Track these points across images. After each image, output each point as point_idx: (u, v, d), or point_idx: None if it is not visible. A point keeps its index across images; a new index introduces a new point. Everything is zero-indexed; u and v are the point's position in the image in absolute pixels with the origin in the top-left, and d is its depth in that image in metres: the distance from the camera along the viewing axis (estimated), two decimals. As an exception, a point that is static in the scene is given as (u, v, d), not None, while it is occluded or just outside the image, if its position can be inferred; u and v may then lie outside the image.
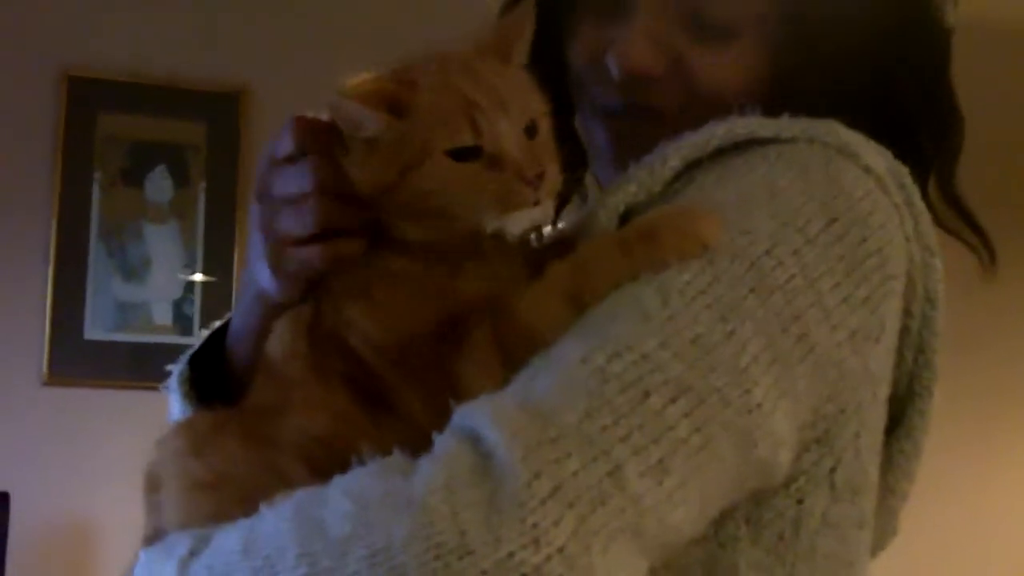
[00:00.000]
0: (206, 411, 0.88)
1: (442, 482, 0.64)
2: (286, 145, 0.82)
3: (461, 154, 0.76)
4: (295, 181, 0.82)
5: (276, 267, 0.83)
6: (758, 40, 0.92)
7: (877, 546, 0.91)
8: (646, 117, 0.94)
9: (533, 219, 0.78)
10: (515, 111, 0.77)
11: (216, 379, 0.94)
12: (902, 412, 0.87)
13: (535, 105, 0.79)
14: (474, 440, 0.66)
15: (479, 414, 0.67)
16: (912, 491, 0.91)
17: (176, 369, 0.96)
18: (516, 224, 0.78)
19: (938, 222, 0.90)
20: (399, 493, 0.65)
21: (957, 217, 0.95)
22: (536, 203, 0.77)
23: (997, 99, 3.64)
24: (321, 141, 0.80)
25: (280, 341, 0.84)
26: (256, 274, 0.86)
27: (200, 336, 0.98)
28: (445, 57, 0.80)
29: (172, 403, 0.96)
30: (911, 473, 0.89)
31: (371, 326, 0.78)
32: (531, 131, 0.78)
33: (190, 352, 0.97)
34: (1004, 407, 3.99)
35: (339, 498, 0.67)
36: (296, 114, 0.82)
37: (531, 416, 0.66)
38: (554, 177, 0.78)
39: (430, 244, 0.79)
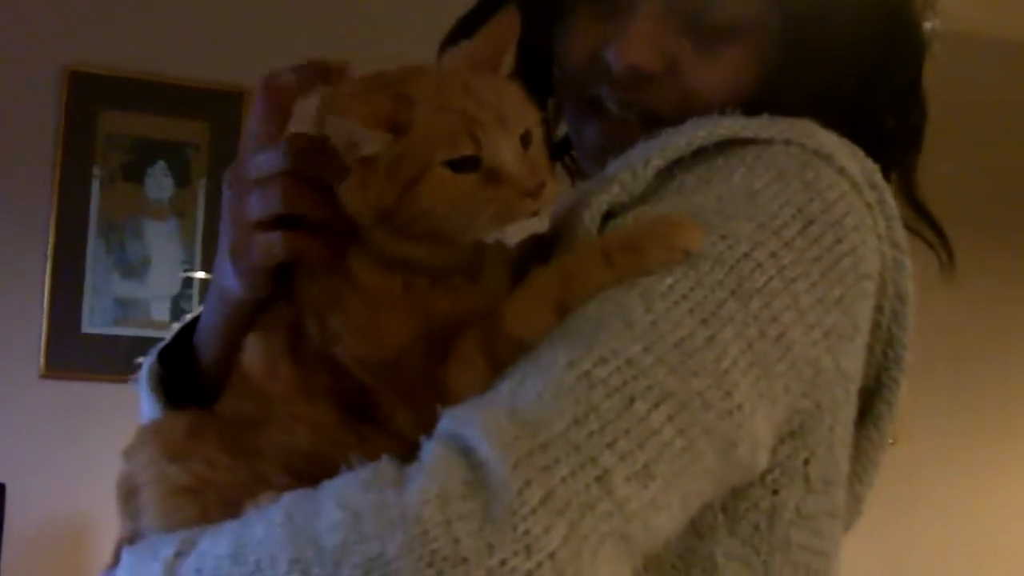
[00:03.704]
0: (175, 415, 0.87)
1: (435, 493, 0.65)
2: (278, 160, 0.80)
3: (460, 165, 0.75)
4: (267, 163, 0.80)
5: (238, 256, 0.82)
6: (752, 45, 0.94)
7: (843, 527, 0.92)
8: (638, 115, 0.96)
9: (531, 228, 0.78)
10: (512, 124, 0.77)
11: (185, 375, 0.94)
12: (871, 403, 0.89)
13: (529, 116, 0.79)
14: (465, 450, 0.67)
15: (468, 422, 0.68)
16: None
17: (146, 363, 0.96)
18: (515, 234, 0.78)
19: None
20: (391, 504, 0.66)
21: (917, 216, 0.96)
22: (535, 214, 0.77)
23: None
24: (314, 163, 0.78)
25: (257, 354, 0.82)
26: (220, 271, 0.85)
27: (172, 329, 0.97)
28: (440, 71, 0.80)
29: (141, 397, 0.95)
30: (877, 460, 0.92)
31: (359, 343, 0.78)
32: (525, 141, 0.78)
33: (160, 346, 0.97)
34: (1001, 419, 4.01)
35: (331, 508, 0.68)
36: (292, 131, 0.78)
37: (520, 424, 0.67)
38: (551, 187, 0.78)
39: (427, 265, 0.78)
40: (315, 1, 3.47)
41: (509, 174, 0.75)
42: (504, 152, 0.76)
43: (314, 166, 0.78)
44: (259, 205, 0.80)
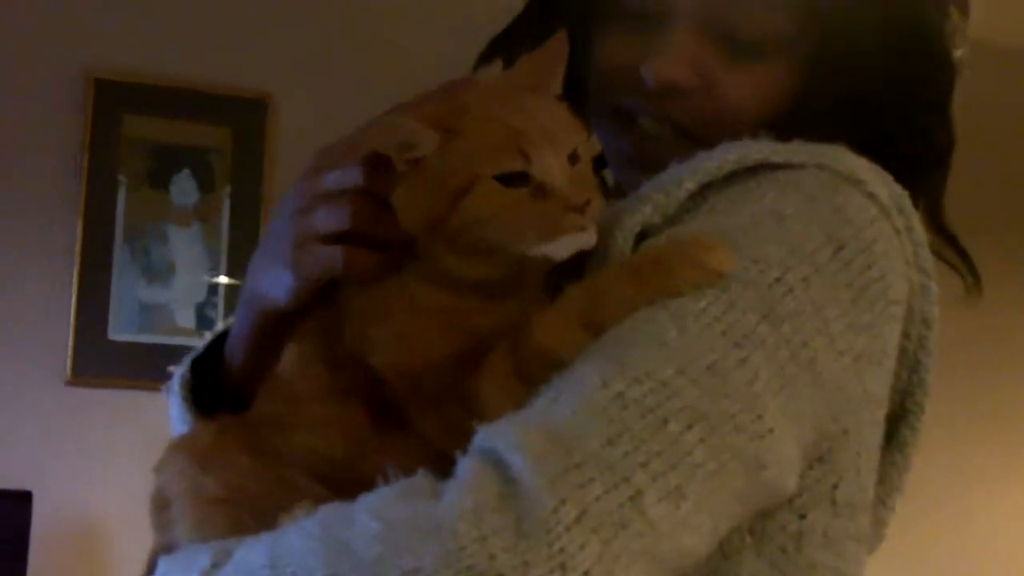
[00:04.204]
0: (205, 424, 0.89)
1: (470, 507, 0.65)
2: (353, 177, 0.82)
3: (509, 179, 0.76)
4: (341, 178, 0.82)
5: (294, 264, 0.84)
6: (784, 64, 0.95)
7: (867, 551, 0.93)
8: (671, 129, 0.96)
9: (578, 244, 0.79)
10: (560, 141, 0.78)
11: (215, 384, 0.95)
12: (895, 428, 0.89)
13: (576, 134, 0.80)
14: (499, 465, 0.68)
15: (503, 438, 0.69)
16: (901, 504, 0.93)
17: (178, 372, 0.98)
18: (562, 250, 0.78)
19: None
20: (427, 517, 0.66)
21: (943, 241, 0.96)
22: (582, 229, 0.78)
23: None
24: (384, 182, 0.80)
25: (291, 357, 0.84)
26: (258, 279, 0.87)
27: (204, 338, 0.99)
28: (491, 85, 0.82)
29: (172, 405, 0.97)
30: (901, 486, 0.92)
31: (398, 353, 0.79)
32: (573, 159, 0.79)
33: (192, 355, 0.98)
34: (1010, 425, 4.00)
35: (366, 520, 0.68)
36: (373, 147, 0.81)
37: (554, 441, 0.68)
38: (596, 203, 0.79)
39: (476, 281, 0.80)
40: (338, 7, 3.47)
41: (557, 189, 0.77)
42: (553, 168, 0.77)
43: (384, 185, 0.80)
44: (326, 219, 0.82)
